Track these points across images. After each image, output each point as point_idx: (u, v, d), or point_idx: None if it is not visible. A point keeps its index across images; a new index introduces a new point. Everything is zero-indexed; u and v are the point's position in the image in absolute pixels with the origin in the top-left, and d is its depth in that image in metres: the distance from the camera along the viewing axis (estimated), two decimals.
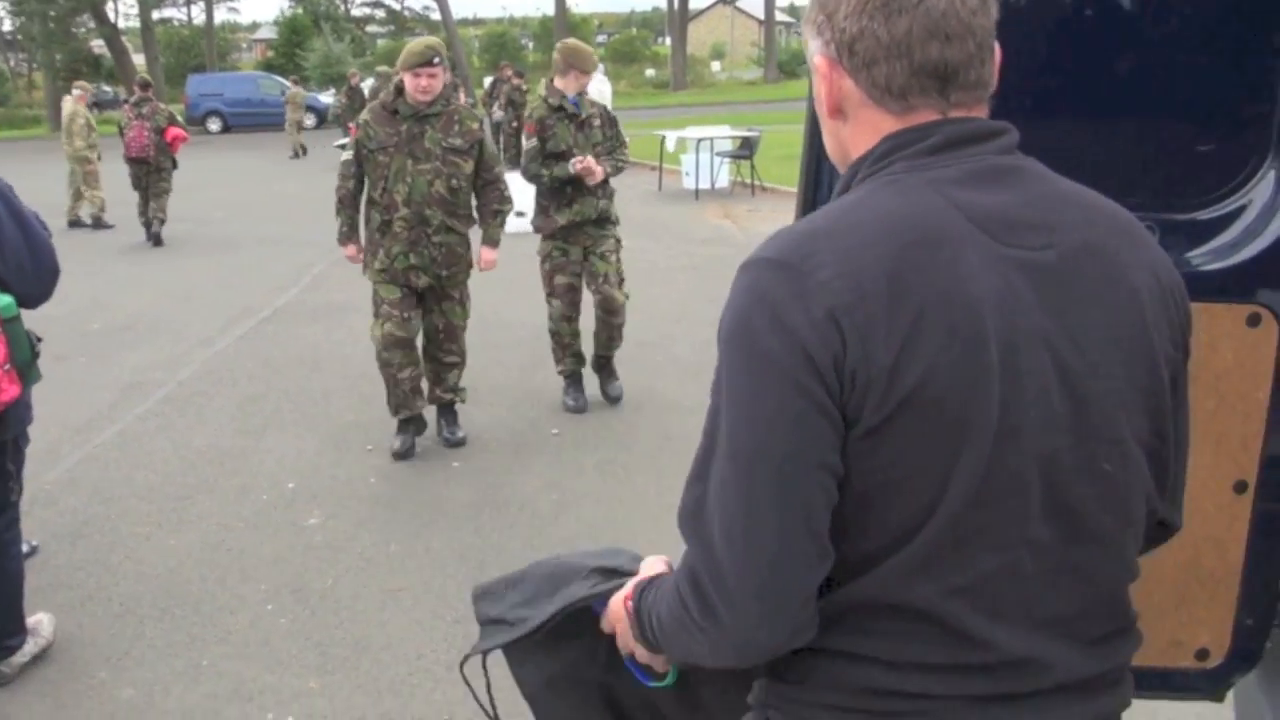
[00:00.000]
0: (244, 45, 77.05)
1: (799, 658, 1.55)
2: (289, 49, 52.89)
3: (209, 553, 5.60)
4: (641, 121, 30.59)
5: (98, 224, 17.10)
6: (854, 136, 1.59)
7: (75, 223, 17.02)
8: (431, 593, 5.07)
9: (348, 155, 6.63)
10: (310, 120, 38.75)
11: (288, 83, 31.97)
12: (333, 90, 43.05)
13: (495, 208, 6.75)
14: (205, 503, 6.26)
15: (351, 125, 23.11)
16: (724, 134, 20.42)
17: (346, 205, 6.73)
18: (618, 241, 7.58)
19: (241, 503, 6.25)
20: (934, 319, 1.40)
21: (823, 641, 1.51)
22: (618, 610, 1.79)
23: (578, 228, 7.36)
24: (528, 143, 7.30)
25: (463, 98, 25.31)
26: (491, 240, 6.85)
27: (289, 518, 6.03)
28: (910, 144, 1.52)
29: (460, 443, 6.97)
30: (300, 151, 29.08)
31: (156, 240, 15.70)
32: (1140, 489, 1.59)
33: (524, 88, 24.79)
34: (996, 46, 1.57)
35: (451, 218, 6.49)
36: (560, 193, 7.27)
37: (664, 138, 20.82)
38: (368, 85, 26.04)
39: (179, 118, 17.34)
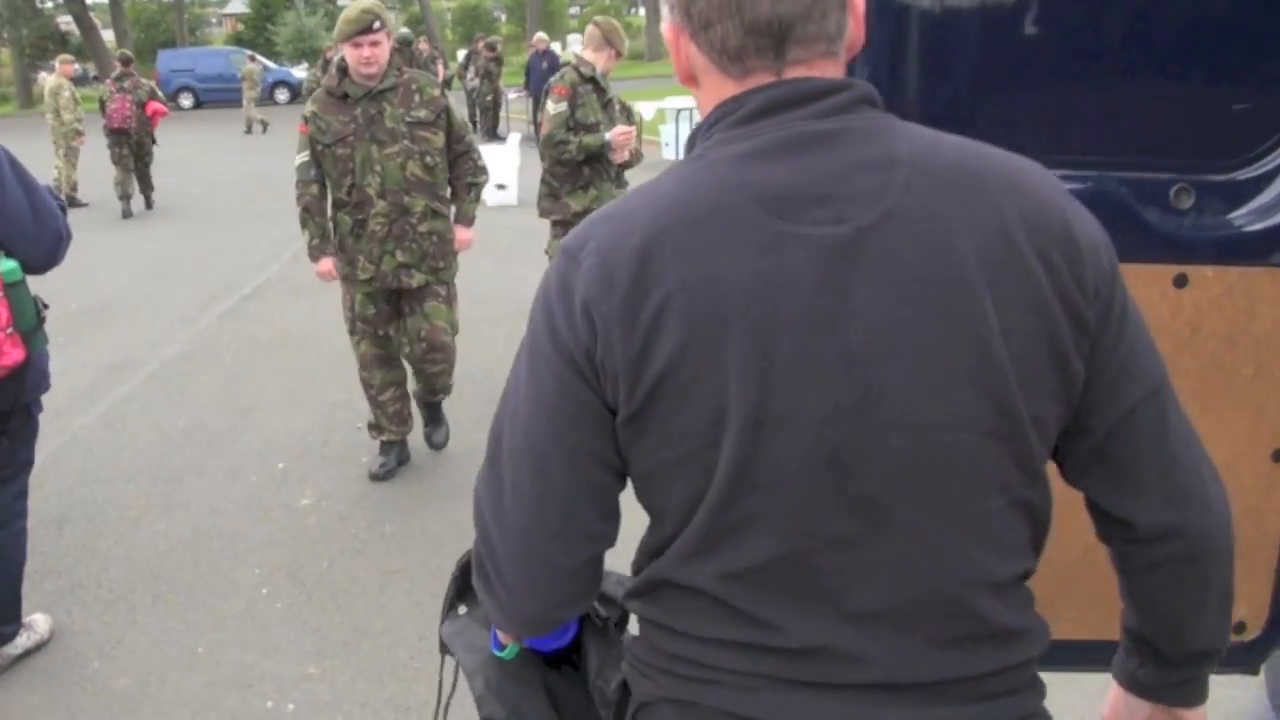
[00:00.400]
0: (213, 20, 76.30)
1: (639, 622, 1.62)
2: (260, 23, 52.44)
3: (200, 537, 5.49)
4: (628, 92, 30.36)
5: (72, 203, 16.88)
6: (705, 105, 1.52)
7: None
8: (430, 573, 4.96)
9: (303, 157, 5.68)
10: (283, 95, 38.50)
11: (244, 58, 31.62)
12: (305, 65, 42.71)
13: (470, 180, 5.92)
14: (194, 485, 6.15)
15: None
16: None
17: (314, 213, 5.75)
18: None
19: (231, 485, 6.14)
20: (677, 306, 1.37)
21: (645, 611, 1.58)
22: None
23: None
24: (555, 107, 6.56)
25: (441, 70, 25.19)
26: (466, 217, 6.02)
27: (280, 499, 5.92)
28: (727, 114, 1.46)
29: (443, 444, 6.47)
30: (258, 127, 28.86)
31: (147, 205, 16.79)
32: (976, 481, 1.43)
33: (499, 59, 24.60)
34: None
35: (435, 200, 5.72)
36: (576, 173, 6.66)
37: (640, 112, 20.59)
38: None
39: (159, 92, 17.44)
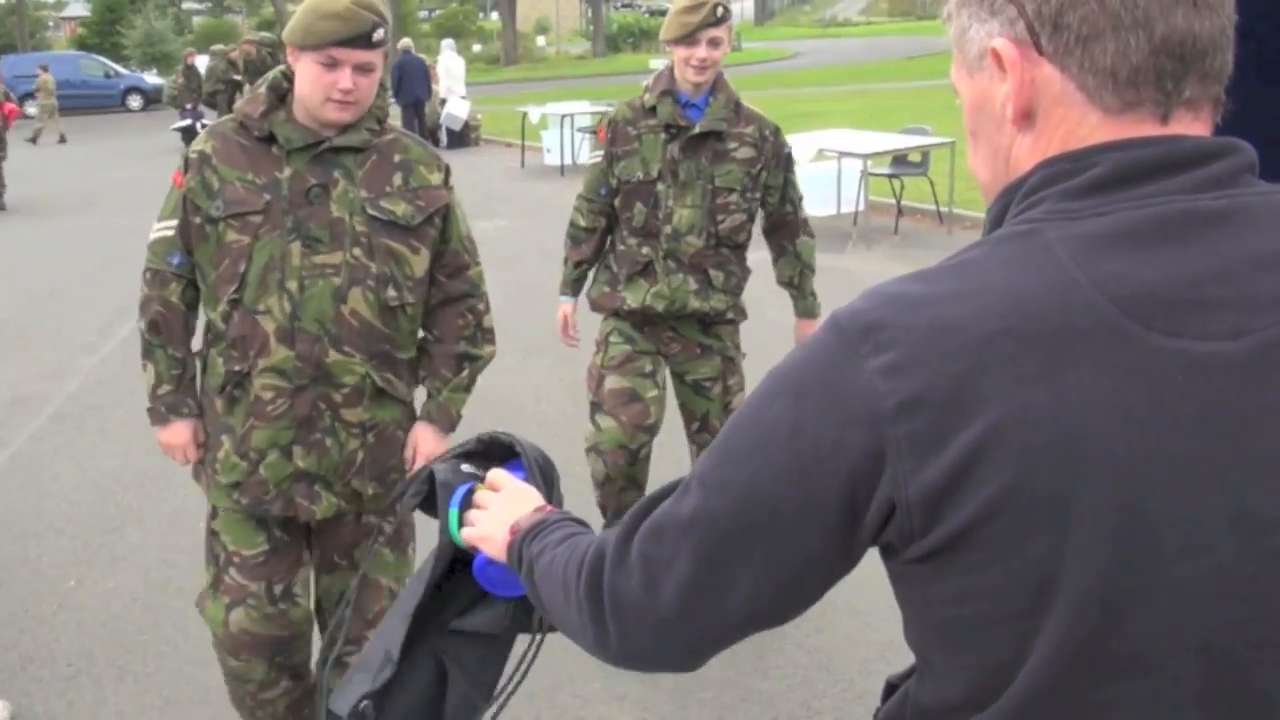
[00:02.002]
0: (50, 24, 73.78)
1: None
2: (104, 27, 50.72)
3: (156, 594, 4.99)
4: (489, 97, 30.01)
5: None
6: (1035, 149, 1.18)
7: None
8: None
9: (166, 229, 3.18)
10: (136, 101, 37.18)
11: (38, 69, 30.21)
12: (154, 70, 41.43)
13: (464, 349, 3.32)
14: (136, 534, 5.63)
15: (190, 105, 21.92)
16: (584, 109, 20.09)
17: (169, 337, 3.24)
18: (733, 364, 4.54)
19: (177, 532, 5.60)
20: (1006, 441, 1.05)
21: None
22: (490, 535, 1.61)
23: (662, 321, 4.45)
24: (591, 157, 4.73)
25: None
26: (446, 414, 3.37)
27: None
28: (1063, 177, 1.13)
29: None
30: (50, 138, 27.72)
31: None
32: None
33: None
34: None
35: (387, 370, 3.20)
36: (629, 253, 4.43)
37: (525, 113, 20.40)
38: (204, 63, 24.88)
39: (11, 94, 17.73)
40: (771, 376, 1.21)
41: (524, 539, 1.52)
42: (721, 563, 1.21)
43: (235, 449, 3.16)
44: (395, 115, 23.39)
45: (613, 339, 4.47)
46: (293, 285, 3.05)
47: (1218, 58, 1.13)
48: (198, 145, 3.19)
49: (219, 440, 3.19)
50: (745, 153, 4.31)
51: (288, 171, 3.09)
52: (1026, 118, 1.17)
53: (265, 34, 24.05)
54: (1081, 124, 1.14)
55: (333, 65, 2.98)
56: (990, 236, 1.16)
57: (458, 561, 1.78)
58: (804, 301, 4.63)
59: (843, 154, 12.06)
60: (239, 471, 3.17)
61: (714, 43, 4.17)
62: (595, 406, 4.47)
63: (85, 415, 7.47)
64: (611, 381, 4.41)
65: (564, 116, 19.17)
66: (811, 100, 26.23)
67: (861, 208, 11.88)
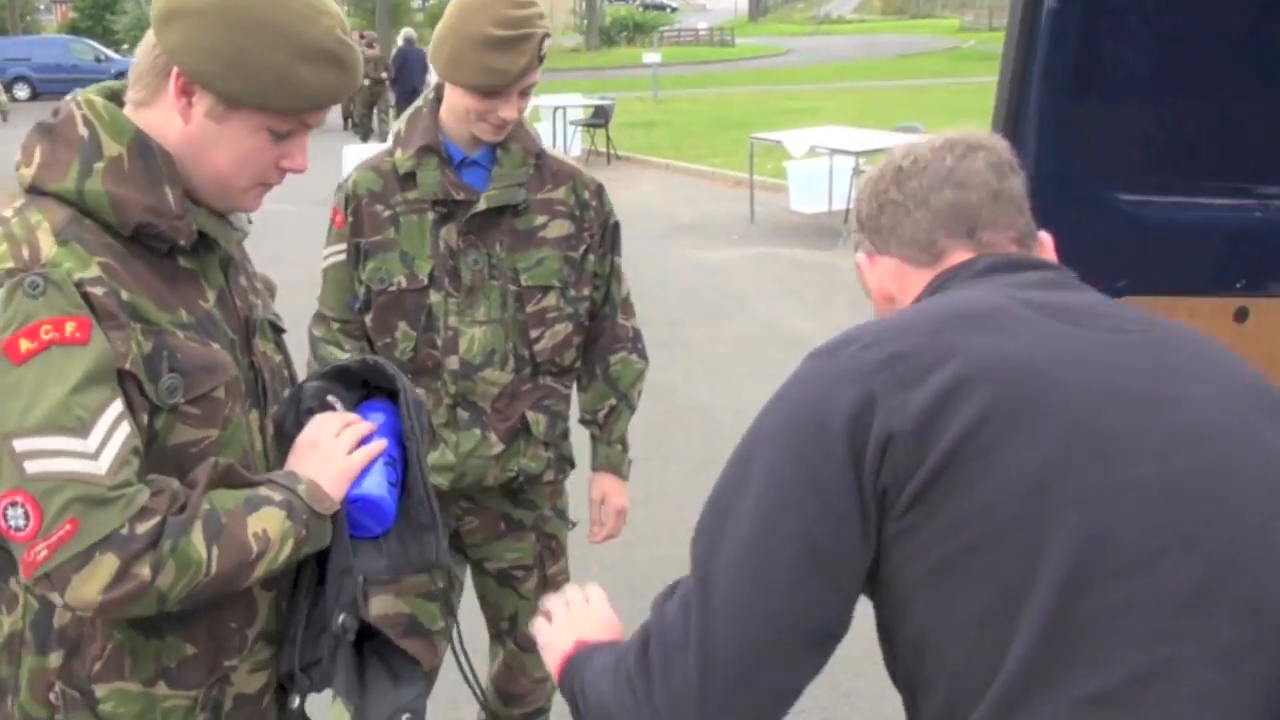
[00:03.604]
0: (41, 6, 73.72)
1: None
2: (96, 10, 50.67)
3: None
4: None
5: None
6: (902, 300, 1.61)
7: None
8: None
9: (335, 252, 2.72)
10: None
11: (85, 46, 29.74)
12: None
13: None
14: None
15: None
16: (576, 102, 20.16)
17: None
18: (554, 544, 3.00)
19: None
20: (974, 372, 1.32)
21: None
22: (553, 642, 1.67)
23: (453, 500, 2.84)
24: (328, 254, 2.85)
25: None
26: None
27: None
28: (957, 275, 1.53)
29: None
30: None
31: None
32: None
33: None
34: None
35: None
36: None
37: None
38: None
39: None
40: (772, 413, 1.43)
41: (588, 653, 1.57)
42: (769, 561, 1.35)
43: None
44: (393, 102, 23.27)
45: None
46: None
47: (999, 215, 1.56)
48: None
49: None
50: (559, 228, 2.78)
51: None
52: (889, 300, 1.64)
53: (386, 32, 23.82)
54: (918, 282, 1.58)
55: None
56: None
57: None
58: (607, 448, 3.00)
59: (834, 151, 12.07)
60: None
61: (526, 93, 2.70)
62: None
63: None
64: (380, 604, 2.85)
65: (556, 109, 19.32)
66: (804, 97, 26.26)
67: (853, 205, 11.82)
